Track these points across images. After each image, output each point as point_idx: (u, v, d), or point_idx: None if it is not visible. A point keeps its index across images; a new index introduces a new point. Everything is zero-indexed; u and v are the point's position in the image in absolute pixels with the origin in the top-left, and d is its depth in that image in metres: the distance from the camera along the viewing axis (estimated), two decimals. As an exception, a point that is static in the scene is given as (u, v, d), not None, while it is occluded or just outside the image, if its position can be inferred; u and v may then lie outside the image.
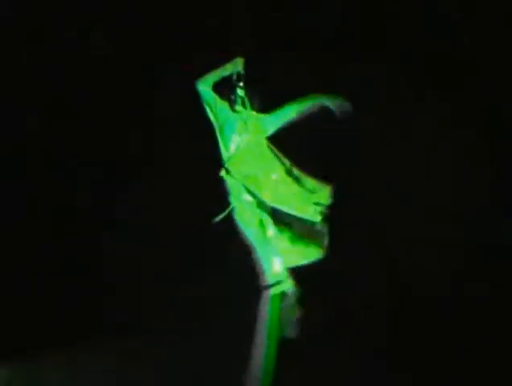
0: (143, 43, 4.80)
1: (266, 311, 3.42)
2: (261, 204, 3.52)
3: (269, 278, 3.47)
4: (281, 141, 3.67)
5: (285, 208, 3.51)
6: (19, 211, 4.82)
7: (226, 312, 4.24)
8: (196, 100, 3.60)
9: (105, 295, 4.68)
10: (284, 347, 3.48)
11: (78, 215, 4.92)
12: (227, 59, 3.69)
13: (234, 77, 3.59)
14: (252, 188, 3.50)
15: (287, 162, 3.60)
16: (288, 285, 3.49)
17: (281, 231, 3.55)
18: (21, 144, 4.83)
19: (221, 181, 3.54)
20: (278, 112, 3.63)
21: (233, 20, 4.36)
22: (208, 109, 3.56)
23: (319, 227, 3.56)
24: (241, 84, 3.58)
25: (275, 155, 3.61)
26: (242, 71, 3.59)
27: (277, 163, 3.59)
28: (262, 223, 3.52)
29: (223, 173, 3.51)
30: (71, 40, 4.81)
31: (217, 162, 3.61)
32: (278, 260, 3.48)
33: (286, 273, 3.50)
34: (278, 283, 3.46)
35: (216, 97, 3.56)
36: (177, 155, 4.84)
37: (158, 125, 4.91)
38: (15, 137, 4.80)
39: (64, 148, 4.91)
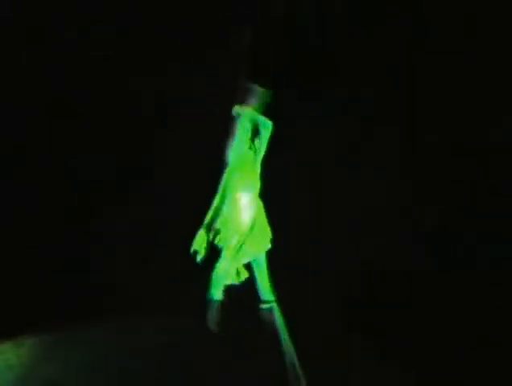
0: (143, 43, 4.80)
1: None
2: None
3: None
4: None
5: None
6: (19, 211, 4.83)
7: (226, 312, 4.24)
8: (196, 99, 3.60)
9: (105, 295, 4.68)
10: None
11: (78, 214, 4.92)
12: (227, 59, 3.69)
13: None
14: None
15: None
16: None
17: None
18: (21, 144, 4.83)
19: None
20: None
21: (233, 20, 4.35)
22: None
23: None
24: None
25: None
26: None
27: None
28: None
29: None
30: (71, 40, 4.81)
31: (217, 161, 3.62)
32: None
33: None
34: None
35: None
36: (177, 155, 4.84)
37: (159, 125, 4.91)
38: (15, 137, 4.81)
39: (64, 148, 4.91)
